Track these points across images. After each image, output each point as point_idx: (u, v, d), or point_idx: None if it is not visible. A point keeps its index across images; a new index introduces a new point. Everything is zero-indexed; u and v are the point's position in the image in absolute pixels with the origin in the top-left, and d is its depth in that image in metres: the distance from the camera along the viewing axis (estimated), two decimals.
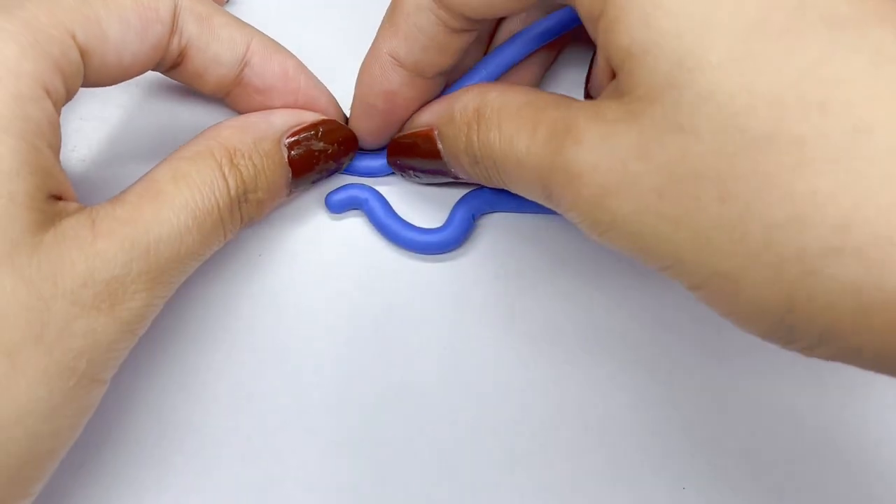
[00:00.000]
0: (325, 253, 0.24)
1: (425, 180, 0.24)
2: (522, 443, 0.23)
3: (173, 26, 0.20)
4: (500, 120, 0.19)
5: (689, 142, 0.15)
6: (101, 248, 0.17)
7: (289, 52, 0.23)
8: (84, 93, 0.22)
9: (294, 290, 0.24)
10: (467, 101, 0.20)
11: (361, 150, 0.24)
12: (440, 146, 0.21)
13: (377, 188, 0.24)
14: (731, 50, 0.14)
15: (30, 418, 0.16)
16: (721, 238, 0.15)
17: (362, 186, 0.24)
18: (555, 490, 0.22)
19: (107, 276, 0.17)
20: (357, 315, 0.24)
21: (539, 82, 0.25)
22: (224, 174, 0.20)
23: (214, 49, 0.21)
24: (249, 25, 0.22)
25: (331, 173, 0.23)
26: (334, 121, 0.23)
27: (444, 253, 0.24)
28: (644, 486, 0.22)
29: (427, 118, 0.22)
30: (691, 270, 0.16)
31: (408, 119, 0.23)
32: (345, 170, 0.24)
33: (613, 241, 0.17)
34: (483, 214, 0.25)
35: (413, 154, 0.22)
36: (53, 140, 0.18)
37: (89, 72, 0.19)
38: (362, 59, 0.22)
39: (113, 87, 0.21)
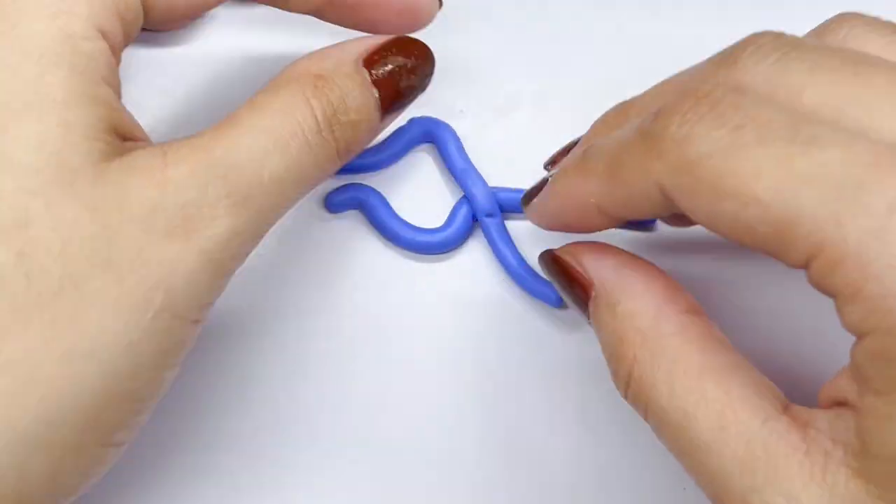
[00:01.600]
0: (325, 253, 0.24)
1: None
2: (522, 443, 0.23)
3: None
4: (672, 380, 0.16)
5: None
6: (173, 174, 0.17)
7: None
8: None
9: (294, 290, 0.24)
10: (635, 312, 0.17)
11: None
12: (590, 309, 0.19)
13: (377, 187, 0.24)
14: None
15: (104, 352, 0.16)
16: None
17: (362, 186, 0.24)
18: (555, 490, 0.22)
19: (179, 201, 0.16)
20: (357, 315, 0.24)
21: None
22: (307, 98, 0.19)
23: None
24: None
25: (416, 94, 0.22)
26: (406, 36, 0.22)
27: (443, 253, 0.24)
28: (644, 486, 0.22)
29: (593, 271, 0.19)
30: None
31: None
32: (345, 168, 0.24)
33: None
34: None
35: (563, 287, 0.20)
36: (111, 79, 0.17)
37: (153, 15, 0.18)
38: None
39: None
